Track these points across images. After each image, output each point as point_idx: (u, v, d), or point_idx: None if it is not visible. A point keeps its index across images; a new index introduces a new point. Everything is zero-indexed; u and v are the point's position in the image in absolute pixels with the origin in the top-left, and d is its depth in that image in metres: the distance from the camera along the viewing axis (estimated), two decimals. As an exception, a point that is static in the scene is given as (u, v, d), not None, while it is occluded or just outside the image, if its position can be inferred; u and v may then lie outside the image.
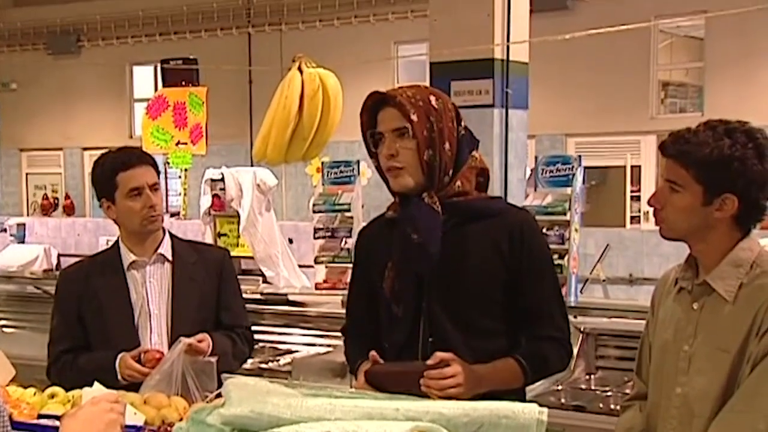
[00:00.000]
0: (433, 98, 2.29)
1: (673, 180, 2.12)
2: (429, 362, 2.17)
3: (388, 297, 2.33)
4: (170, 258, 2.96)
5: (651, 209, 2.21)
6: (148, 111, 10.83)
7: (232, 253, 3.85)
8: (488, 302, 2.31)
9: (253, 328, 3.18)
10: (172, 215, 11.11)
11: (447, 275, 2.30)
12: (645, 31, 11.65)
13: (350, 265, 4.39)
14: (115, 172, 2.87)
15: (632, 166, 12.41)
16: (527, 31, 6.39)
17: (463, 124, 2.33)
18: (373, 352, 2.28)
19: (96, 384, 2.42)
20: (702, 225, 2.12)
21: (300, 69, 5.77)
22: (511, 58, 6.40)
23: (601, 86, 12.24)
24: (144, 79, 16.43)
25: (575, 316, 4.05)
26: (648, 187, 12.16)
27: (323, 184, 4.76)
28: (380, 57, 12.52)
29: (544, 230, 3.76)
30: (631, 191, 12.44)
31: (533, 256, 2.32)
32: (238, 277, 3.20)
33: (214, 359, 2.77)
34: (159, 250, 2.95)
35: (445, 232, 2.29)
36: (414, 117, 2.24)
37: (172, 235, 3.02)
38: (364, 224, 2.64)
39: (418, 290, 2.31)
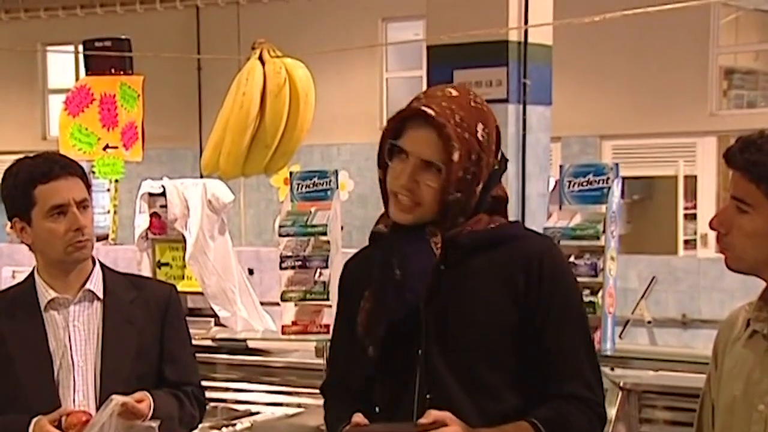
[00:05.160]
0: (480, 127, 2.36)
1: (741, 198, 2.15)
2: (421, 421, 2.21)
3: (361, 334, 2.40)
4: (101, 295, 2.99)
5: (713, 233, 2.25)
6: (67, 106, 10.86)
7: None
8: (499, 352, 2.36)
9: (203, 383, 3.21)
10: (98, 239, 11.11)
11: (447, 318, 2.35)
12: (702, 5, 11.76)
13: (325, 303, 4.46)
14: (33, 184, 2.91)
15: (686, 177, 12.48)
16: (551, 8, 6.46)
17: (501, 151, 2.42)
18: (357, 415, 2.33)
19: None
20: None
21: (261, 58, 5.83)
22: (530, 41, 6.47)
23: (645, 75, 12.33)
24: (61, 65, 16.44)
25: (612, 368, 4.08)
26: (707, 203, 12.24)
27: (292, 200, 4.79)
28: (363, 40, 12.57)
29: (572, 259, 3.80)
30: (685, 208, 12.51)
31: (555, 293, 2.37)
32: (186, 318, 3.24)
33: (155, 424, 2.80)
34: (87, 286, 2.99)
35: (446, 264, 2.36)
36: (455, 156, 2.31)
37: (103, 267, 3.05)
38: (346, 251, 2.69)
39: (413, 335, 2.37)
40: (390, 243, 2.41)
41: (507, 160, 2.47)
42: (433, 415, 2.22)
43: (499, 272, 2.36)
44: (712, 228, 2.22)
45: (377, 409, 2.46)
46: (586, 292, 3.74)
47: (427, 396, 2.34)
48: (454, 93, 2.39)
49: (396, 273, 2.35)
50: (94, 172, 10.66)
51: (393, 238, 2.41)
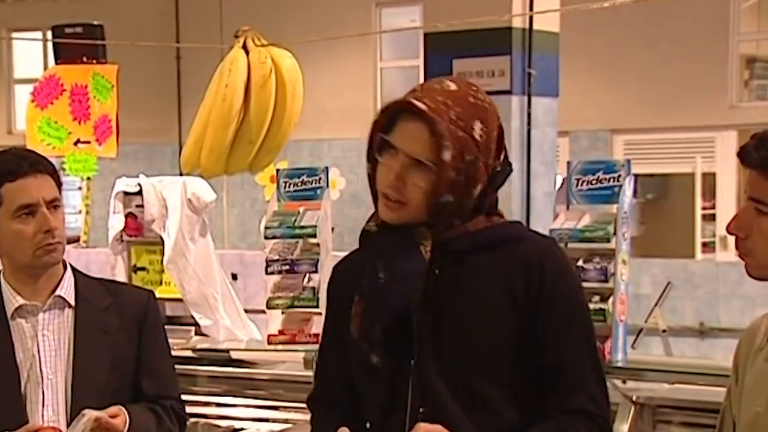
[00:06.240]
0: (478, 125, 2.35)
1: (759, 198, 2.16)
2: None
3: (357, 340, 2.41)
4: (72, 302, 3.00)
5: (730, 237, 2.27)
6: (35, 97, 10.85)
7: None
8: (498, 363, 2.37)
9: (183, 397, 3.22)
10: (69, 242, 11.11)
11: (442, 326, 2.36)
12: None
13: (315, 310, 4.47)
14: None
15: (704, 174, 12.52)
16: (558, -8, 6.48)
17: (504, 152, 2.42)
18: (343, 429, 2.35)
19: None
20: None
21: (245, 47, 5.84)
22: (535, 28, 6.49)
23: (660, 65, 12.35)
24: (28, 53, 16.45)
25: (624, 381, 4.09)
26: (726, 203, 12.28)
27: (279, 200, 4.80)
28: (355, 28, 12.58)
29: (581, 262, 3.81)
30: (703, 208, 12.54)
31: (557, 298, 2.37)
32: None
33: (131, 440, 2.81)
34: (57, 292, 2.99)
35: (440, 268, 2.37)
36: (446, 155, 2.30)
37: (75, 271, 3.07)
38: (337, 254, 2.70)
39: (405, 344, 2.38)
40: (377, 244, 2.42)
41: (510, 164, 2.47)
42: (422, 427, 2.24)
43: (498, 276, 2.37)
44: (729, 232, 2.23)
45: (368, 424, 2.48)
46: (596, 298, 3.76)
47: (420, 409, 2.35)
48: (453, 87, 2.38)
49: (380, 276, 2.36)
50: (64, 169, 10.65)
51: (380, 238, 2.42)
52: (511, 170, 2.47)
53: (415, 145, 2.33)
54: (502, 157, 2.41)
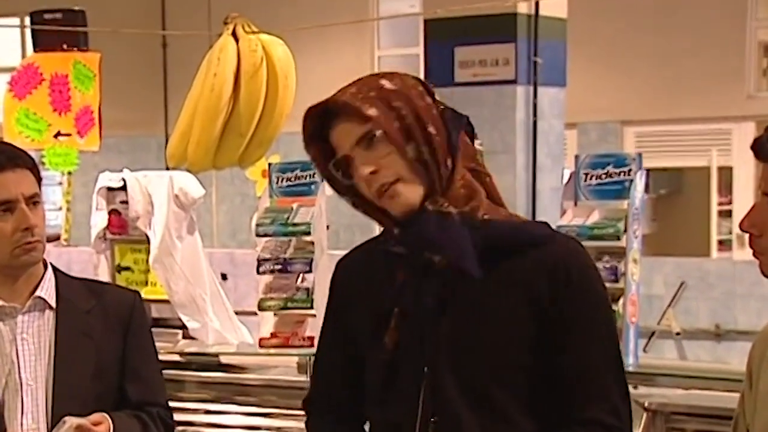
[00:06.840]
0: (385, 81, 2.42)
1: None
2: None
3: (390, 353, 2.40)
4: (53, 304, 3.00)
5: (746, 235, 2.27)
6: (13, 87, 10.85)
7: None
8: (515, 371, 2.37)
9: (170, 403, 3.22)
10: (49, 240, 11.11)
11: (459, 331, 2.37)
12: (737, -27, 11.81)
13: (309, 312, 4.48)
14: (-25, 177, 2.91)
15: (720, 168, 12.53)
16: (565, -25, 6.50)
17: (441, 104, 2.45)
18: None
19: None
20: None
21: (235, 34, 5.85)
22: (541, 13, 6.50)
23: (673, 52, 12.35)
24: (5, 40, 16.45)
25: (635, 386, 4.11)
26: (743, 198, 12.27)
27: (271, 195, 4.81)
28: (351, 14, 12.57)
29: (590, 262, 3.82)
30: (719, 204, 12.55)
31: (582, 304, 2.38)
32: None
33: (115, 449, 2.81)
34: (37, 293, 2.99)
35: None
36: (371, 111, 2.35)
37: (56, 271, 3.07)
38: (332, 253, 2.70)
39: (419, 349, 2.39)
40: (405, 243, 2.40)
41: (453, 110, 2.49)
42: None
43: (520, 280, 2.37)
44: (742, 229, 2.24)
45: (367, 425, 2.50)
46: (606, 299, 3.76)
47: (432, 419, 2.36)
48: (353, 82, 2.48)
49: (436, 260, 2.35)
50: (44, 163, 10.66)
51: (403, 239, 2.41)
52: (463, 117, 2.49)
53: (351, 133, 2.38)
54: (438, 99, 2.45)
